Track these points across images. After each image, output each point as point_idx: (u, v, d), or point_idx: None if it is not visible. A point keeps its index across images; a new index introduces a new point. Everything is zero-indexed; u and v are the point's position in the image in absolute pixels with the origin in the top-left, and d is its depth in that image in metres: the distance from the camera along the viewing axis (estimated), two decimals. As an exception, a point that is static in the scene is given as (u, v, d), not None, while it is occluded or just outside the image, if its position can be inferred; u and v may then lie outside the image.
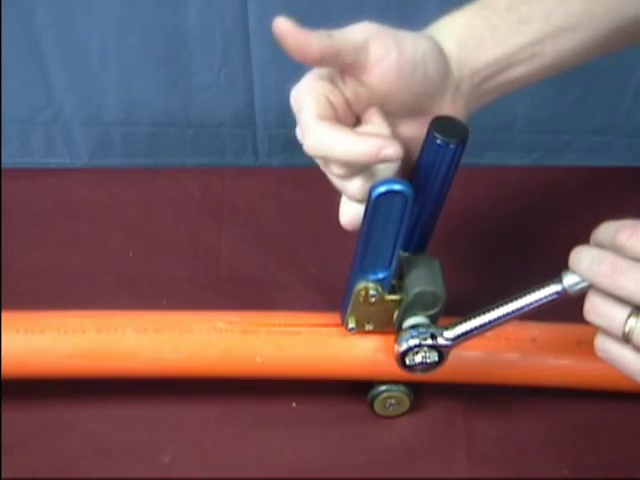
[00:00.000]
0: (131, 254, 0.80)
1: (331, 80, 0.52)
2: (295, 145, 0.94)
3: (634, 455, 0.66)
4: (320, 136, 0.49)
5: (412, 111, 0.54)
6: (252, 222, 0.83)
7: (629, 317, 0.45)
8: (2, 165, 0.88)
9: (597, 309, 0.47)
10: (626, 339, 0.45)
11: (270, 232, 0.82)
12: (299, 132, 0.52)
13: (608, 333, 0.47)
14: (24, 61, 0.84)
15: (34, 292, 0.74)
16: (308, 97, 0.51)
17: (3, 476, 0.63)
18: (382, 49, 0.50)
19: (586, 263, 0.47)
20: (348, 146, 0.49)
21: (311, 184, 0.87)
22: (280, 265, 0.79)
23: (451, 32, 0.54)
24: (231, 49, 0.84)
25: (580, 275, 0.47)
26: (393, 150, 0.48)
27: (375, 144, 0.48)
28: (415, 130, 0.54)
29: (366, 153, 0.48)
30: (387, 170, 0.52)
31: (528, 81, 0.56)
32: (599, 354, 0.48)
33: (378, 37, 0.51)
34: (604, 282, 0.46)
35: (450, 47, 0.54)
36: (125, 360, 0.64)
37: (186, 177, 0.88)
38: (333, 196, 0.85)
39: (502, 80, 0.55)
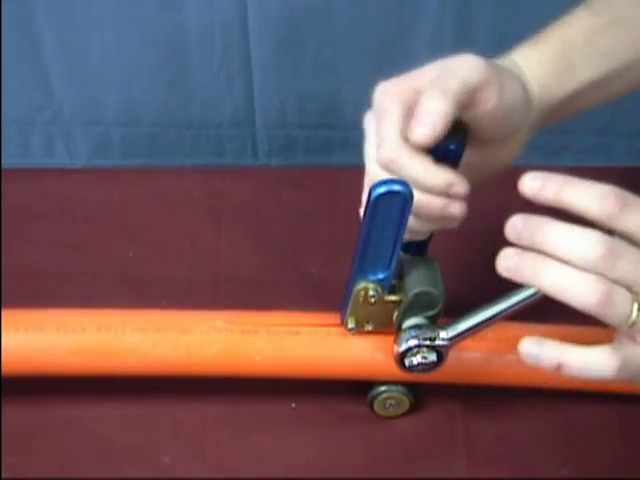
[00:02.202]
0: (131, 254, 0.80)
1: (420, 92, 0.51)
2: (295, 145, 0.94)
3: (634, 455, 0.66)
4: (398, 157, 0.50)
5: (485, 142, 0.55)
6: (251, 222, 0.83)
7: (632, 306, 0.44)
8: (2, 166, 0.88)
9: (598, 296, 0.43)
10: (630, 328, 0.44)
11: (269, 232, 0.82)
12: (371, 133, 0.52)
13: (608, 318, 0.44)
14: (24, 61, 0.84)
15: (33, 292, 0.74)
16: (395, 103, 0.51)
17: (3, 476, 0.63)
18: (489, 94, 0.51)
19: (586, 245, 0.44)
20: (422, 175, 0.50)
21: (311, 184, 0.87)
22: (279, 265, 0.79)
23: (534, 73, 0.55)
24: (231, 49, 0.84)
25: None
26: (463, 188, 0.51)
27: (448, 178, 0.50)
28: (479, 157, 0.56)
29: (437, 185, 0.50)
30: None
31: (589, 108, 0.59)
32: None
33: (489, 82, 0.51)
34: (601, 268, 0.43)
35: (533, 89, 0.55)
36: (124, 359, 0.64)
37: (186, 177, 0.88)
38: (333, 196, 0.85)
39: (569, 110, 0.58)
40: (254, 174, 0.90)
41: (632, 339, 0.44)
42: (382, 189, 0.51)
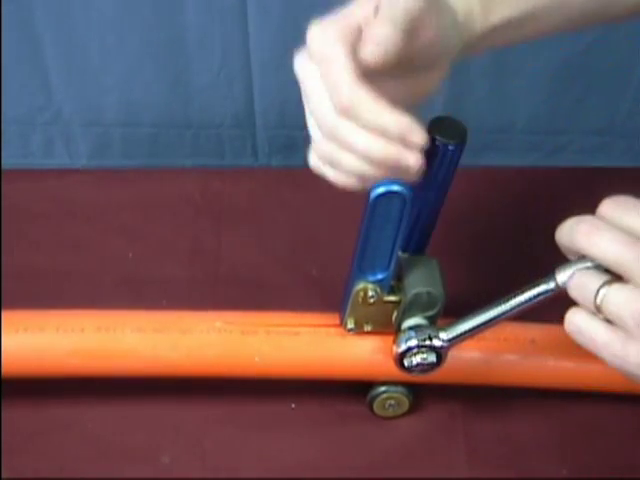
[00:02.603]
0: (131, 255, 0.80)
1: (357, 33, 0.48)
2: (295, 145, 0.94)
3: (633, 455, 0.66)
4: (358, 101, 0.47)
5: (414, 69, 0.52)
6: (251, 222, 0.83)
7: (602, 287, 0.45)
8: (2, 166, 0.88)
9: (574, 280, 0.47)
10: (597, 309, 0.45)
11: (269, 232, 0.82)
12: (314, 82, 0.49)
13: (582, 304, 0.46)
14: (24, 62, 0.84)
15: (33, 293, 0.74)
16: (339, 44, 0.47)
17: (3, 476, 0.63)
18: (430, 19, 0.49)
19: (567, 227, 0.47)
20: (381, 116, 0.47)
21: (311, 184, 0.86)
22: (279, 266, 0.79)
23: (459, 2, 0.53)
24: (230, 50, 0.84)
25: (560, 242, 0.47)
26: (420, 138, 0.48)
27: (407, 123, 0.47)
28: (406, 86, 0.53)
29: (394, 130, 0.47)
30: None
31: (514, 43, 0.56)
32: (567, 327, 0.47)
33: (429, 7, 0.48)
34: (581, 241, 0.45)
35: (459, 16, 0.52)
36: (124, 359, 0.64)
37: (186, 178, 0.88)
38: (333, 196, 0.85)
39: (493, 43, 0.55)
40: (254, 175, 0.90)
41: None
42: (381, 189, 0.51)
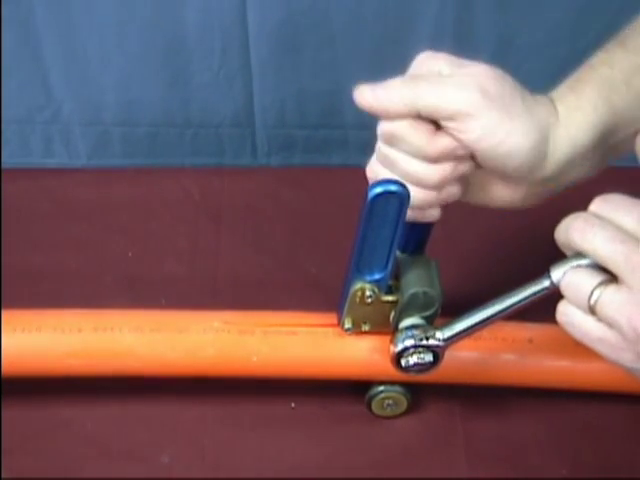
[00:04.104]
0: (130, 254, 0.80)
1: None
2: (294, 145, 0.94)
3: (633, 455, 0.66)
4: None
5: (487, 172, 0.55)
6: (251, 222, 0.83)
7: (596, 288, 0.45)
8: (2, 165, 0.88)
9: (567, 279, 0.46)
10: (591, 310, 0.45)
11: (269, 232, 0.82)
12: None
13: (575, 305, 0.46)
14: (23, 61, 0.84)
15: (33, 292, 0.74)
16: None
17: (3, 476, 0.63)
18: (470, 125, 0.51)
19: (564, 224, 0.46)
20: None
21: (310, 184, 0.87)
22: (279, 265, 0.79)
23: (570, 125, 0.54)
24: (230, 49, 0.84)
25: (559, 240, 0.47)
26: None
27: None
28: (480, 178, 0.56)
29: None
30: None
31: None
32: (559, 318, 0.47)
33: (470, 114, 0.51)
34: (575, 237, 0.45)
35: (561, 140, 0.53)
36: (122, 359, 0.64)
37: (185, 177, 0.88)
38: (332, 196, 0.85)
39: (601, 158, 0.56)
40: (253, 174, 0.90)
41: None
42: (379, 189, 0.51)
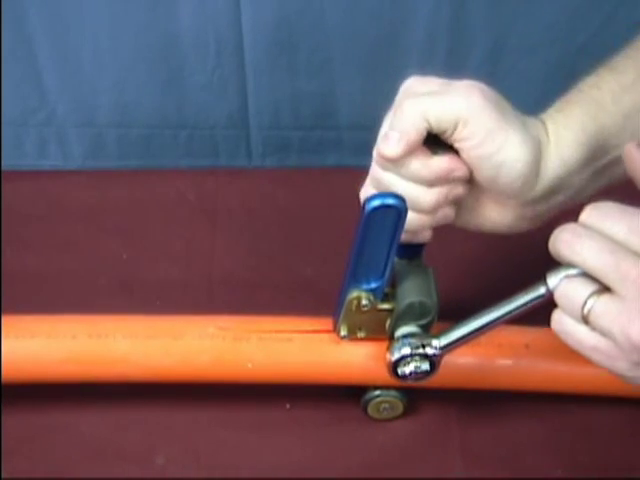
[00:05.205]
0: (125, 256, 0.80)
1: None
2: (289, 146, 0.94)
3: (628, 456, 0.66)
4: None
5: (480, 189, 0.55)
6: (246, 224, 0.83)
7: (589, 298, 0.45)
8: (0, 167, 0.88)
9: (561, 289, 0.47)
10: (585, 320, 0.45)
11: (264, 233, 0.82)
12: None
13: (569, 314, 0.46)
14: (17, 63, 0.84)
15: (27, 294, 0.74)
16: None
17: (3, 476, 0.63)
18: (469, 133, 0.52)
19: (553, 237, 0.47)
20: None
21: (305, 185, 0.87)
22: (274, 267, 0.79)
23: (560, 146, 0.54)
24: (224, 51, 0.83)
25: (552, 252, 0.47)
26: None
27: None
28: (472, 200, 0.57)
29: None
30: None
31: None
32: (554, 327, 0.47)
33: (469, 121, 0.51)
34: (563, 250, 0.46)
35: (551, 159, 0.54)
36: (116, 366, 0.63)
37: (180, 179, 0.88)
38: (327, 197, 0.85)
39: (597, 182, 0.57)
40: (248, 175, 0.90)
41: None
42: (376, 202, 0.51)
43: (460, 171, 0.53)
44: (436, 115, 0.51)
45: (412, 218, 0.54)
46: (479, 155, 0.52)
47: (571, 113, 0.55)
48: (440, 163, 0.53)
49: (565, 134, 0.54)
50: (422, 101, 0.51)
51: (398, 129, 0.51)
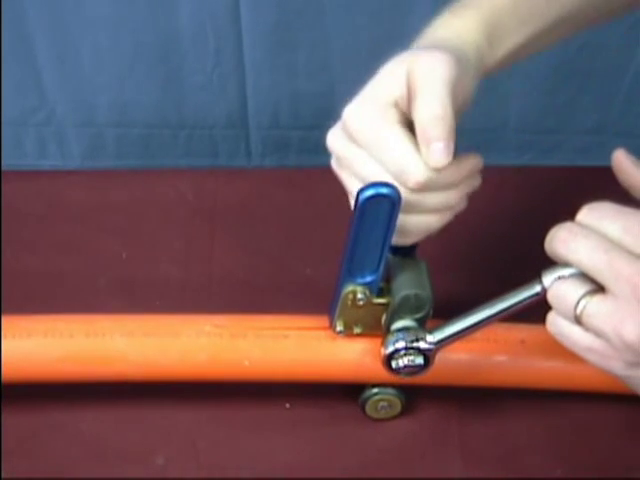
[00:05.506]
0: (124, 256, 0.80)
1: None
2: (288, 146, 0.94)
3: (628, 455, 0.66)
4: (428, 177, 0.51)
5: None
6: (245, 223, 0.83)
7: (582, 298, 0.45)
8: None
9: (553, 289, 0.47)
10: (577, 320, 0.45)
11: (263, 233, 0.82)
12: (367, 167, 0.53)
13: (562, 315, 0.46)
14: (16, 63, 0.84)
15: (26, 294, 0.74)
16: (394, 130, 0.52)
17: (3, 476, 0.63)
18: (465, 83, 0.52)
19: (549, 236, 0.47)
20: (457, 174, 0.52)
21: (304, 185, 0.87)
22: (273, 267, 0.79)
23: (469, 44, 0.54)
24: (224, 51, 0.84)
25: (548, 252, 0.47)
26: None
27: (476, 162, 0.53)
28: None
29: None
30: None
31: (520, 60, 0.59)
32: (549, 328, 0.47)
33: (462, 72, 0.51)
34: (559, 249, 0.46)
35: (471, 57, 0.54)
36: (113, 365, 0.63)
37: (179, 178, 0.88)
38: (327, 196, 0.85)
39: (501, 67, 0.57)
40: (248, 175, 0.90)
41: None
42: (370, 192, 0.51)
43: (481, 162, 0.53)
44: (445, 89, 0.50)
45: (436, 220, 0.54)
46: (470, 91, 0.52)
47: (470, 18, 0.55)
48: (470, 161, 0.53)
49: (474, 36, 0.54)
50: (427, 90, 0.50)
51: (436, 137, 0.50)
